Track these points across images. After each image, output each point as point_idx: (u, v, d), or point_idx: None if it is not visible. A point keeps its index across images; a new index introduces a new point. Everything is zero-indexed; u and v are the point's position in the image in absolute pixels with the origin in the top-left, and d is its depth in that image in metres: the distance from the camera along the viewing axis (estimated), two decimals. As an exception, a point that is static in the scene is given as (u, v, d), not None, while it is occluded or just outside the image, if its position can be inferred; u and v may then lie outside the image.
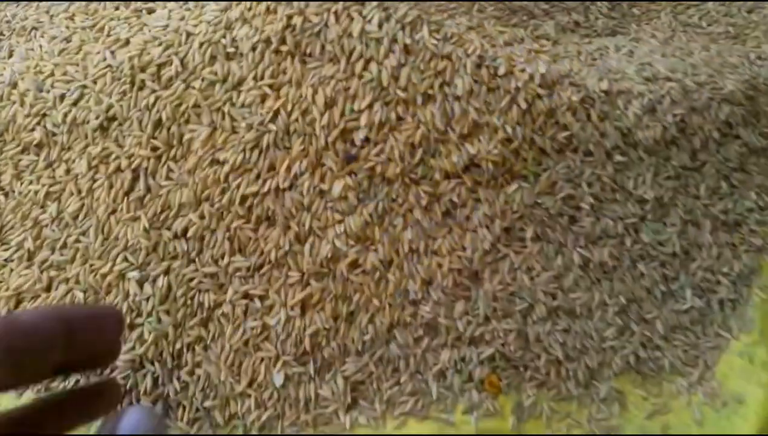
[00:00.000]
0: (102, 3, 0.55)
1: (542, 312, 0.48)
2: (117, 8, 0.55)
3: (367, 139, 0.45)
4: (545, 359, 0.48)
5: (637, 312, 0.50)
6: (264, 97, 0.46)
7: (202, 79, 0.47)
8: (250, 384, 0.45)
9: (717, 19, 0.67)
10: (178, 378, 0.45)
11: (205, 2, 0.49)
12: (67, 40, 0.54)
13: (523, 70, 0.47)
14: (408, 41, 0.45)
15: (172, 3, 0.51)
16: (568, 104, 0.48)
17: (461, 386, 0.47)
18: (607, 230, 0.50)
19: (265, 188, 0.45)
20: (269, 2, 0.45)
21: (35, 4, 0.60)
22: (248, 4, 0.46)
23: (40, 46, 0.54)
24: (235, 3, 0.46)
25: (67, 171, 0.49)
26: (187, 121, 0.47)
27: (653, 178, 0.51)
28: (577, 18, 0.63)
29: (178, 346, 0.45)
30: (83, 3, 0.56)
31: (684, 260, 0.52)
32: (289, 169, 0.45)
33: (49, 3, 0.59)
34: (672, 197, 0.51)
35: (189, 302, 0.46)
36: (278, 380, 0.45)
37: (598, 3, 0.66)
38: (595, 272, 0.50)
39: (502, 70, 0.46)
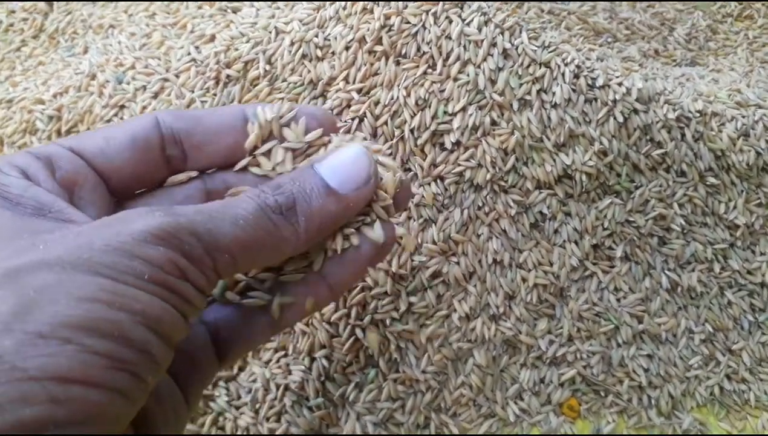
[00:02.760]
0: (184, 2, 0.55)
1: (627, 335, 0.46)
2: (200, 7, 0.54)
3: (458, 143, 0.44)
4: (627, 384, 0.46)
5: (723, 342, 0.48)
6: (350, 102, 0.45)
7: (289, 81, 0.46)
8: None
9: (796, 55, 0.65)
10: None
11: (295, 1, 0.48)
12: (148, 36, 0.53)
13: (620, 84, 0.46)
14: (507, 45, 0.44)
15: (260, 2, 0.51)
16: (663, 122, 0.46)
17: (539, 409, 0.45)
18: (696, 254, 0.48)
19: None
20: (366, 2, 0.45)
21: (113, 4, 0.60)
22: (343, 3, 0.45)
23: (119, 42, 0.54)
24: (329, 2, 0.46)
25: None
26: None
27: (744, 203, 0.49)
28: (657, 47, 0.62)
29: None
30: (164, 2, 0.56)
31: (772, 291, 0.50)
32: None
33: (127, 3, 0.59)
34: (763, 225, 0.49)
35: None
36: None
37: (675, 34, 0.65)
38: (682, 297, 0.48)
39: (600, 82, 0.45)
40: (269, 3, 0.50)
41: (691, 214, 0.48)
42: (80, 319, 0.20)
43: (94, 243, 0.22)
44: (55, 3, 0.63)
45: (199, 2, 0.54)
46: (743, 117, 0.50)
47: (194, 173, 0.31)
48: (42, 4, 0.63)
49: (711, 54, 0.65)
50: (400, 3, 0.44)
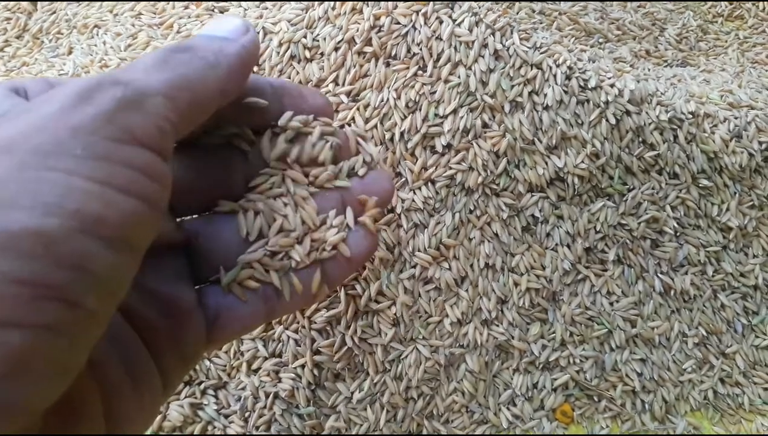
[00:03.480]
0: (171, 2, 0.54)
1: (621, 339, 0.46)
2: (186, 7, 0.53)
3: (449, 146, 0.43)
4: (621, 389, 0.46)
5: (716, 345, 0.48)
6: (338, 106, 0.44)
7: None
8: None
9: (787, 55, 0.65)
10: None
11: (283, 1, 0.47)
12: (134, 36, 0.52)
13: (612, 85, 0.45)
14: (498, 46, 0.43)
15: (248, 2, 0.50)
16: (656, 123, 0.46)
17: (532, 415, 0.45)
18: (689, 257, 0.48)
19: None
20: (355, 2, 0.44)
21: (98, 3, 0.59)
22: (332, 3, 0.45)
23: (104, 42, 0.53)
24: (318, 2, 0.45)
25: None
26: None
27: (737, 205, 0.48)
28: (648, 47, 0.61)
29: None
30: (150, 2, 0.55)
31: (766, 294, 0.49)
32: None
33: (112, 3, 0.57)
34: (756, 228, 0.49)
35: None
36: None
37: (666, 34, 0.65)
38: (675, 301, 0.47)
39: (592, 83, 0.44)
40: (257, 3, 0.49)
41: (684, 216, 0.47)
42: None
43: (27, 119, 0.18)
44: (39, 2, 0.62)
45: (186, 2, 0.53)
46: (736, 118, 0.49)
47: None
48: (25, 4, 0.62)
49: (702, 54, 0.65)
50: (390, 3, 0.44)
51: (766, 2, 0.73)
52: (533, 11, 0.54)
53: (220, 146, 0.29)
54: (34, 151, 0.16)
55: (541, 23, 0.53)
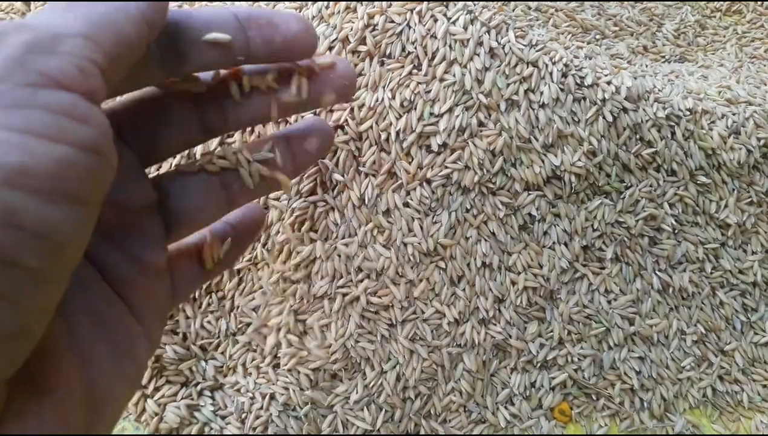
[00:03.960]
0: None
1: (619, 338, 0.46)
2: (180, 6, 0.53)
3: (444, 145, 0.43)
4: (619, 387, 0.45)
5: (715, 342, 0.48)
6: (331, 107, 0.44)
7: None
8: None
9: (785, 50, 0.65)
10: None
11: (277, 1, 0.47)
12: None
13: (609, 83, 0.45)
14: (494, 44, 0.43)
15: (241, 0, 0.49)
16: (653, 120, 0.46)
17: (530, 414, 0.45)
18: (687, 254, 0.47)
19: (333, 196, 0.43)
20: (349, 1, 0.44)
21: None
22: (326, 2, 0.44)
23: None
24: (311, 1, 0.45)
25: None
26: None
27: (735, 202, 0.48)
28: (645, 43, 0.61)
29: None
30: None
31: (765, 291, 0.49)
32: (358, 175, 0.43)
33: None
34: (754, 224, 0.49)
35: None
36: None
37: (664, 30, 0.64)
38: (674, 298, 0.47)
39: (588, 81, 0.44)
40: (250, 3, 0.49)
41: (682, 213, 0.47)
42: None
43: None
44: (32, 3, 0.62)
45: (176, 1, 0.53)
46: (734, 114, 0.49)
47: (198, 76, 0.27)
48: (19, 4, 0.62)
49: (700, 50, 0.65)
50: (384, 2, 0.43)
51: (764, -4, 0.72)
52: (529, 8, 0.53)
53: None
54: None
55: (537, 20, 0.53)
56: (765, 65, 0.64)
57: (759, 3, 0.72)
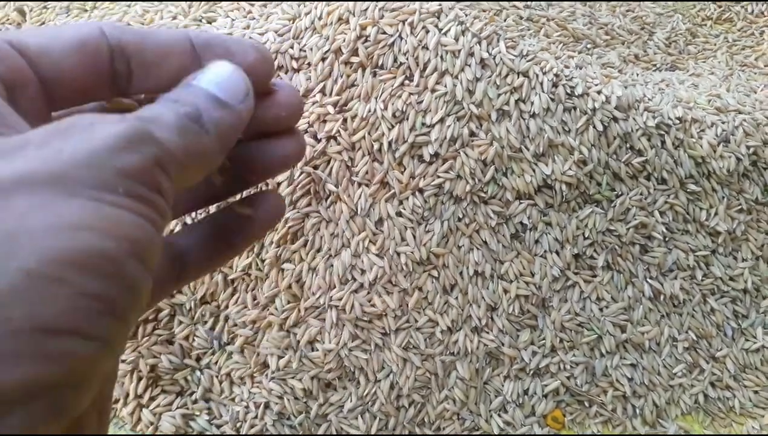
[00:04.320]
0: (158, 13, 0.54)
1: (611, 345, 0.46)
2: (174, 17, 0.53)
3: (436, 155, 0.43)
4: (612, 394, 0.46)
5: (707, 349, 0.48)
6: (325, 117, 0.44)
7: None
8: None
9: (775, 57, 0.66)
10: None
11: (271, 12, 0.47)
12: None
13: (599, 92, 0.45)
14: (485, 55, 0.43)
15: (235, 12, 0.50)
16: (643, 129, 0.46)
17: (523, 421, 0.45)
18: (678, 262, 0.48)
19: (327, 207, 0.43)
20: (341, 12, 0.44)
21: (86, 13, 0.59)
22: (319, 13, 0.45)
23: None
24: (305, 12, 0.45)
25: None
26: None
27: (726, 210, 0.49)
28: (637, 51, 0.62)
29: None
30: (139, 12, 0.55)
31: (755, 297, 0.50)
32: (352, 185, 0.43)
33: (102, 11, 0.58)
34: (744, 231, 0.49)
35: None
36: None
37: (655, 38, 0.65)
38: (665, 306, 0.47)
39: (579, 91, 0.45)
40: (245, 12, 0.49)
41: (673, 221, 0.48)
42: (71, 252, 0.18)
43: (62, 155, 0.19)
44: (28, 13, 0.62)
45: (175, 12, 0.53)
46: (723, 123, 0.50)
47: (141, 97, 0.29)
48: (14, 15, 0.62)
49: (691, 58, 0.65)
50: (376, 13, 0.44)
51: (755, 3, 0.73)
52: (521, 18, 0.54)
53: None
54: (82, 184, 0.19)
55: (528, 30, 0.53)
56: (755, 73, 0.64)
57: (749, 11, 0.72)
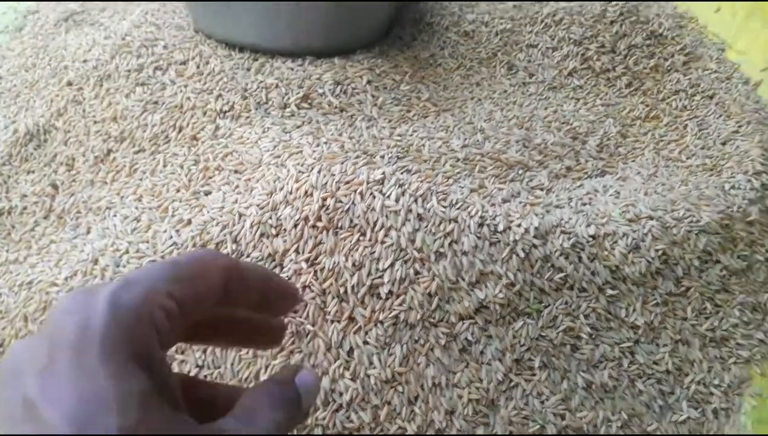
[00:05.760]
0: (165, 186, 0.67)
1: (553, 432, 0.55)
2: (178, 190, 0.66)
3: (390, 293, 0.54)
4: (560, 473, 0.55)
5: (639, 425, 0.57)
6: (300, 271, 0.55)
7: (252, 256, 0.57)
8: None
9: (695, 152, 0.75)
10: None
11: (253, 186, 0.59)
12: (137, 219, 0.65)
13: (519, 225, 0.56)
14: (420, 211, 0.54)
15: (226, 187, 0.62)
16: (560, 250, 0.57)
17: (487, 504, 0.54)
18: (605, 355, 0.57)
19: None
20: (307, 187, 0.56)
21: (107, 187, 0.71)
22: (290, 188, 0.56)
23: (115, 225, 0.65)
24: (279, 188, 0.57)
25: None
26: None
27: (642, 306, 0.58)
28: (569, 163, 0.72)
29: None
30: (149, 186, 0.67)
31: (678, 376, 0.59)
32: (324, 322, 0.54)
33: (119, 186, 0.70)
34: (662, 321, 0.59)
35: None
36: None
37: (587, 146, 0.75)
38: (597, 393, 0.57)
39: (501, 227, 0.55)
40: (234, 186, 0.61)
41: (597, 321, 0.57)
42: None
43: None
44: (60, 186, 0.75)
45: (178, 185, 0.65)
46: (634, 232, 0.60)
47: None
48: (49, 188, 0.75)
49: (621, 159, 0.76)
50: (334, 186, 0.55)
51: (679, 98, 0.83)
52: (457, 160, 0.65)
53: None
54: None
55: (464, 171, 0.64)
56: (678, 166, 0.74)
57: (674, 107, 0.82)
